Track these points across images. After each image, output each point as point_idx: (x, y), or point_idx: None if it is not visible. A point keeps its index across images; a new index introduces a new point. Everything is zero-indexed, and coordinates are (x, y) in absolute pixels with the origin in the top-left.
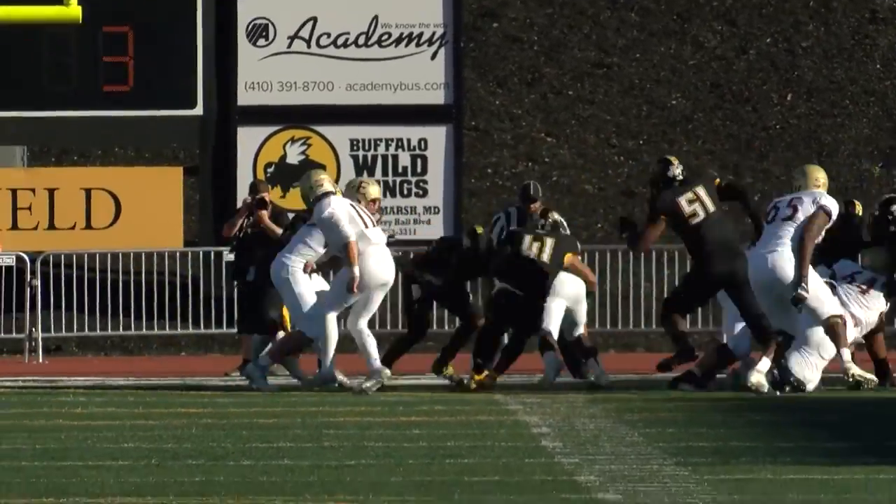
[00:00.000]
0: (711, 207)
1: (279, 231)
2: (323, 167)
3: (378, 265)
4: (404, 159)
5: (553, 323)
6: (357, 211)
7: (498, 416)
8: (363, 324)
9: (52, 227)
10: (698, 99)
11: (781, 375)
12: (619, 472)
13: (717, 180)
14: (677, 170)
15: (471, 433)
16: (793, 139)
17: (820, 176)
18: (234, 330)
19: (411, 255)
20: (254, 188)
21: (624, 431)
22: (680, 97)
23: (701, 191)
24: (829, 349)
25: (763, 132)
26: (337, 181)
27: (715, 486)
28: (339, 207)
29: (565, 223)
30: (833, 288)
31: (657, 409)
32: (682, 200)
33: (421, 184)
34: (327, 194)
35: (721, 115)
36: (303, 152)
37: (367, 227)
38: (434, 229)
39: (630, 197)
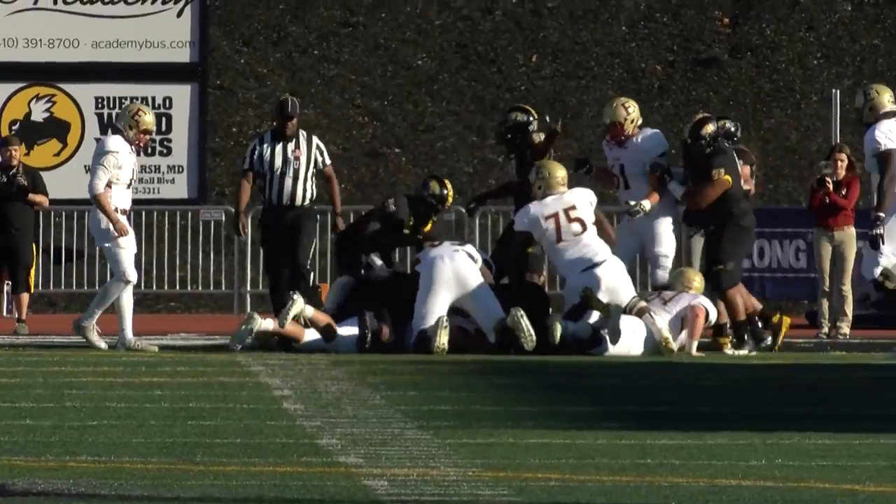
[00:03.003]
0: None
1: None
2: (68, 124)
3: None
4: None
5: None
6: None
7: (240, 378)
8: None
9: None
10: (444, 59)
11: None
12: (360, 436)
13: None
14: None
15: (213, 394)
16: (538, 101)
17: None
18: None
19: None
20: (4, 143)
21: (366, 394)
22: (425, 57)
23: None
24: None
25: (508, 93)
26: (81, 139)
27: (456, 449)
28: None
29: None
30: None
31: (399, 372)
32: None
33: (165, 142)
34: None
35: (466, 76)
36: (48, 109)
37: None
38: (178, 188)
39: (374, 157)
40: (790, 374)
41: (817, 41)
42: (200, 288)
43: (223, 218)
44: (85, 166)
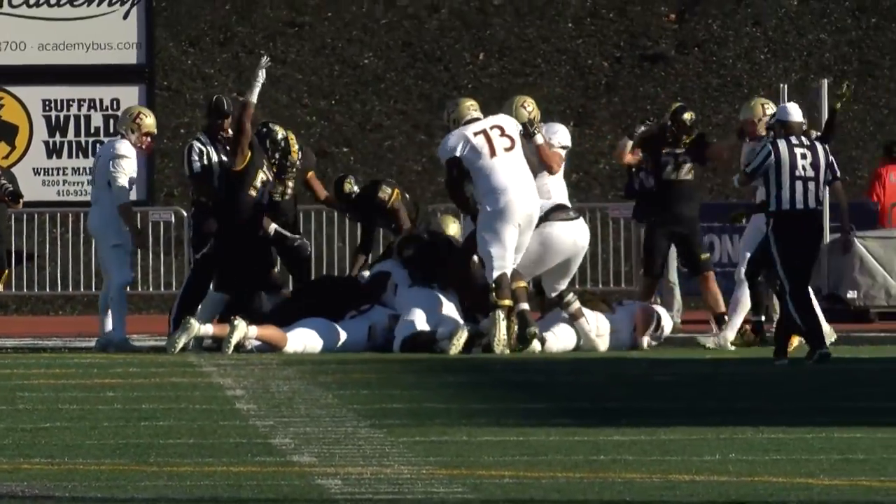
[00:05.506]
0: None
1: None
2: (16, 127)
3: None
4: (97, 119)
5: None
6: None
7: (192, 378)
8: None
9: None
10: (390, 58)
11: None
12: (313, 435)
13: None
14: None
15: (165, 395)
16: (485, 98)
17: None
18: None
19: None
20: None
21: (318, 394)
22: (372, 56)
23: None
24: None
25: (455, 91)
26: (29, 142)
27: (410, 447)
28: None
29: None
30: None
31: (351, 371)
32: None
33: None
34: None
35: (413, 75)
36: None
37: None
38: None
39: (322, 157)
40: (742, 369)
41: (764, 36)
42: (151, 289)
43: (172, 219)
44: (33, 168)
